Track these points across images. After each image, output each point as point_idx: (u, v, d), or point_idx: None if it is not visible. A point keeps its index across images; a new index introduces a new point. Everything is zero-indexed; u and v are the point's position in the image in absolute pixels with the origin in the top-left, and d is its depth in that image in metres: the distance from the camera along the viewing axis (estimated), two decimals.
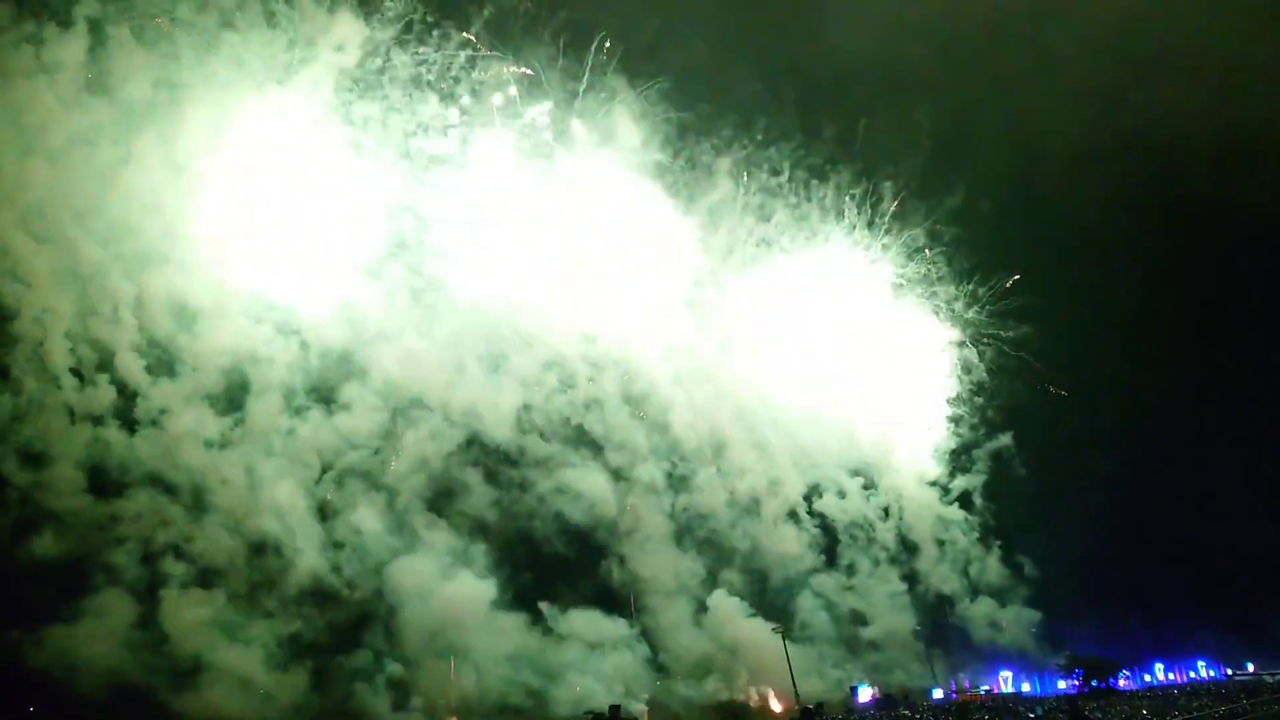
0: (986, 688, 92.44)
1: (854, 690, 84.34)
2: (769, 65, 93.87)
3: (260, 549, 73.37)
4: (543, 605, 78.38)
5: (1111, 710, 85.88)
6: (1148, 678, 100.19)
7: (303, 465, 76.32)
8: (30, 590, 66.74)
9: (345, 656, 73.21)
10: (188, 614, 69.39)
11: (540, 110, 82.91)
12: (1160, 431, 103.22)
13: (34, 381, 70.86)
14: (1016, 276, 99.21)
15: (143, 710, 65.82)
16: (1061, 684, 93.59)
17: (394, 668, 73.45)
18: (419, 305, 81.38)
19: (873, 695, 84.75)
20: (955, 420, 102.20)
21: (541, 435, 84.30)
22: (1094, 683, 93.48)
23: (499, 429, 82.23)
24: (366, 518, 76.50)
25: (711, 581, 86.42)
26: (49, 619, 66.16)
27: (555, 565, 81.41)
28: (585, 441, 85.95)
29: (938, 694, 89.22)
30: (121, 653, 66.72)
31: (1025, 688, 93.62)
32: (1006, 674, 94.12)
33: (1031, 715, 75.00)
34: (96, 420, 72.24)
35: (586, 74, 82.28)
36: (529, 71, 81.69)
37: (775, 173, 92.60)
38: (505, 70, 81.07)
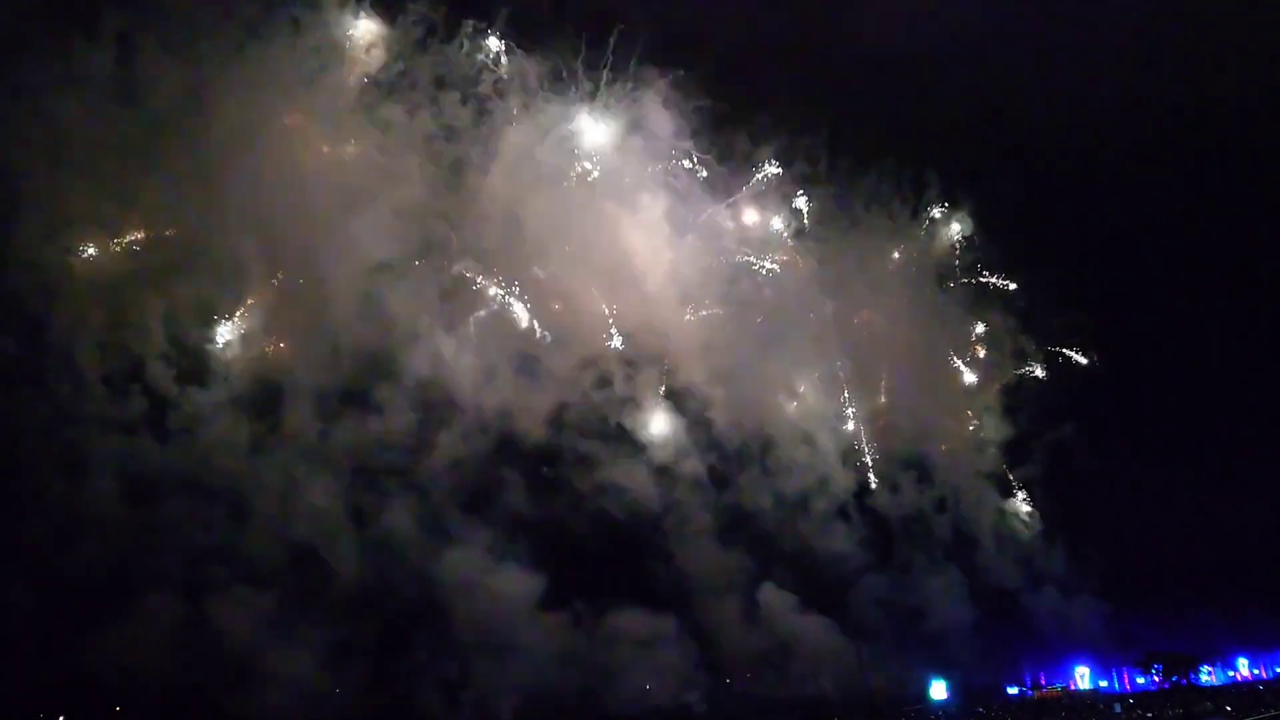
0: (1063, 684, 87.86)
1: (925, 686, 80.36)
2: (808, 50, 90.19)
3: (302, 551, 72.21)
4: (588, 604, 76.41)
5: (1195, 707, 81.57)
6: (1231, 673, 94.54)
7: (339, 467, 75.11)
8: (76, 597, 66.11)
9: (395, 657, 71.91)
10: (236, 617, 68.51)
11: (567, 104, 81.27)
12: (1231, 412, 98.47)
13: (67, 391, 70.32)
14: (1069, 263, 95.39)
15: (196, 712, 65.77)
16: (1140, 680, 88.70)
17: (445, 668, 72.00)
18: (448, 305, 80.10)
19: (946, 692, 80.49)
20: (1011, 410, 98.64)
21: (579, 433, 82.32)
22: (1175, 679, 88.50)
23: (535, 428, 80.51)
24: (405, 519, 74.94)
25: (760, 577, 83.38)
26: (97, 624, 65.88)
27: (598, 563, 78.92)
28: (625, 439, 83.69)
29: (1012, 690, 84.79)
30: (172, 656, 66.08)
31: (1103, 684, 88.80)
32: (1083, 670, 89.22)
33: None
34: (130, 429, 71.56)
35: (608, 65, 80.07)
36: (555, 65, 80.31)
37: (814, 160, 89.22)
38: (530, 65, 79.84)
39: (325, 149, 77.61)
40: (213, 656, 67.35)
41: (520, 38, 79.24)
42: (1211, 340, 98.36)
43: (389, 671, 71.65)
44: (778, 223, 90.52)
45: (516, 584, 74.40)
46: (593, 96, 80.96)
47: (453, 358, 78.64)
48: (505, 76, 79.87)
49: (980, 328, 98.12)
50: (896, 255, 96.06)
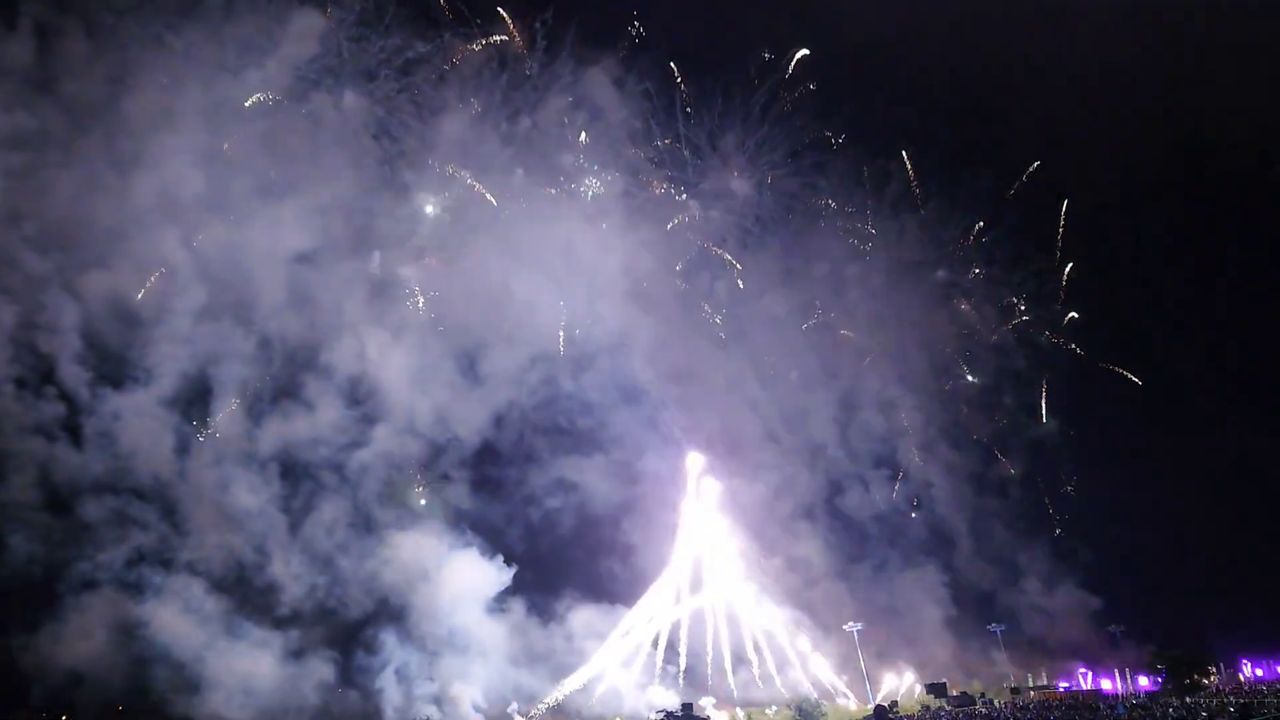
0: (1065, 684, 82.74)
1: (931, 688, 74.68)
2: (774, 35, 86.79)
3: (240, 551, 67.64)
4: (547, 601, 72.47)
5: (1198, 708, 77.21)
6: (1235, 674, 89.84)
7: (273, 465, 70.23)
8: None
9: (344, 658, 68.28)
10: (176, 620, 64.23)
11: (509, 91, 78.88)
12: (1223, 410, 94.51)
13: None
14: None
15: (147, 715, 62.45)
16: (1144, 680, 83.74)
17: (399, 668, 68.15)
18: (383, 299, 76.16)
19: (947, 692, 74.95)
20: (990, 406, 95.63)
21: (529, 430, 78.69)
22: (1178, 679, 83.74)
23: (483, 426, 76.67)
24: (346, 518, 70.69)
25: None
26: (26, 626, 61.86)
27: (555, 562, 75.19)
28: (576, 437, 79.95)
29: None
30: (110, 660, 62.28)
31: (1105, 685, 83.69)
32: (1086, 670, 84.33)
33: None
34: (48, 432, 65.90)
35: (542, 48, 78.09)
36: (494, 51, 77.80)
37: (789, 152, 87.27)
38: (470, 50, 77.31)
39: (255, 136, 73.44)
40: (157, 659, 63.26)
41: (457, 24, 77.12)
42: (1213, 332, 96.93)
43: (344, 670, 67.98)
44: (738, 212, 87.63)
45: (470, 586, 69.42)
46: (533, 80, 78.78)
47: (391, 352, 74.28)
48: (446, 63, 77.30)
49: (960, 322, 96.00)
50: (868, 248, 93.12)
